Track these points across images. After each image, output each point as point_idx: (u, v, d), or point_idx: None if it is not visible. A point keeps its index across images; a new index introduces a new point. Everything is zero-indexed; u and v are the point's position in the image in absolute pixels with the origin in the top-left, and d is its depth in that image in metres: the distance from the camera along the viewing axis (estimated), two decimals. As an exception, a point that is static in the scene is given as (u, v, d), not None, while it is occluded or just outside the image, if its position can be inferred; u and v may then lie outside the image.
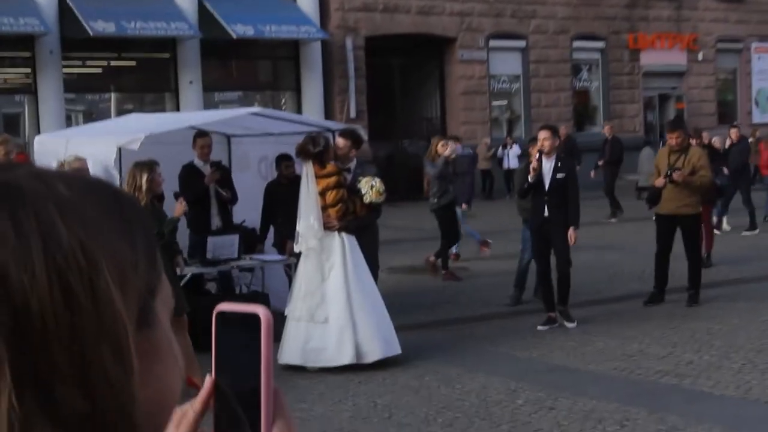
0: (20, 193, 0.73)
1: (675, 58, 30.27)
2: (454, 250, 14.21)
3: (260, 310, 0.86)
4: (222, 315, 0.90)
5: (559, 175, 10.25)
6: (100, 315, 0.73)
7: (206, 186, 10.01)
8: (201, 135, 10.16)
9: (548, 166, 10.30)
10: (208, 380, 0.92)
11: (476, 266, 13.58)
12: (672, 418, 7.15)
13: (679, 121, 13.26)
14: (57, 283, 0.71)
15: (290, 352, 8.39)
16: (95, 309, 0.73)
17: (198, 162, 10.10)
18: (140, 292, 0.78)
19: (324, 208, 8.68)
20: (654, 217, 11.85)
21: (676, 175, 10.90)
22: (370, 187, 8.99)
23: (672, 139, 11.45)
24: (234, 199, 10.49)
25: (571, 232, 10.10)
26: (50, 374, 0.72)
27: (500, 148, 25.20)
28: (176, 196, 8.40)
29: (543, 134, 10.60)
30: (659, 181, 11.16)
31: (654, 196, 11.43)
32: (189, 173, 9.99)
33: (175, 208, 8.25)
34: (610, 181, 19.61)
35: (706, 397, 7.75)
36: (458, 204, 13.95)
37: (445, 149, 13.34)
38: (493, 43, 26.97)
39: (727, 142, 16.65)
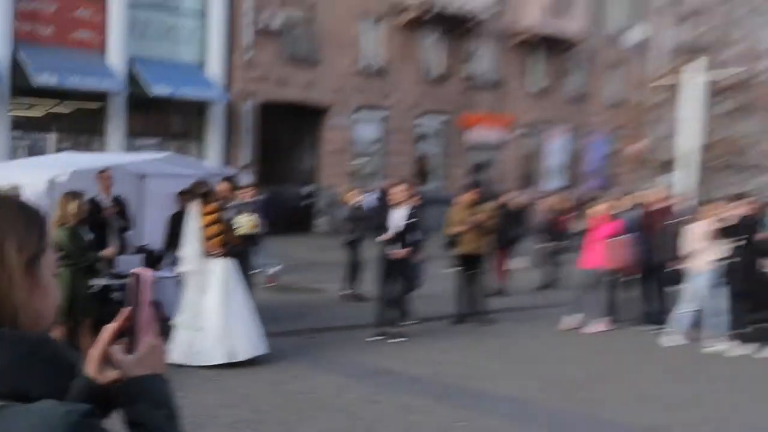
0: None
1: (494, 134, 31.07)
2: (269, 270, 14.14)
3: (142, 272, 1.41)
4: (134, 275, 1.42)
5: (410, 221, 10.44)
6: (2, 260, 1.25)
7: (106, 217, 9.89)
8: (102, 171, 10.05)
9: (402, 213, 10.46)
10: (125, 311, 1.41)
11: (331, 287, 13.63)
12: (465, 411, 7.36)
13: (476, 183, 13.83)
14: None
15: (177, 354, 8.24)
16: (1, 257, 1.24)
17: (100, 196, 9.94)
18: (30, 253, 1.28)
19: (208, 238, 8.65)
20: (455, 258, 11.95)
21: (479, 217, 11.36)
22: (244, 222, 9.08)
23: (472, 195, 11.87)
24: (128, 226, 10.37)
25: (403, 251, 10.27)
26: None
27: (364, 194, 25.37)
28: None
29: (399, 188, 10.74)
30: (462, 228, 11.48)
31: (455, 240, 11.68)
32: (91, 206, 9.84)
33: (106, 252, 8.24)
34: None
35: (492, 396, 7.94)
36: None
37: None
38: (358, 115, 27.27)
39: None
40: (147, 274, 1.46)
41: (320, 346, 9.84)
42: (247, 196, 13.08)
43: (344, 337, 10.37)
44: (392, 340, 10.18)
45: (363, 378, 8.39)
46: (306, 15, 25.67)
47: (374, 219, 10.86)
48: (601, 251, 11.71)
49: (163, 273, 9.80)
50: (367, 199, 13.07)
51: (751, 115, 30.20)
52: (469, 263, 11.73)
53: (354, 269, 13.29)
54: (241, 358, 8.53)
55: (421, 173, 28.45)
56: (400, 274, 10.53)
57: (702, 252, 10.65)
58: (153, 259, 10.29)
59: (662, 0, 36.42)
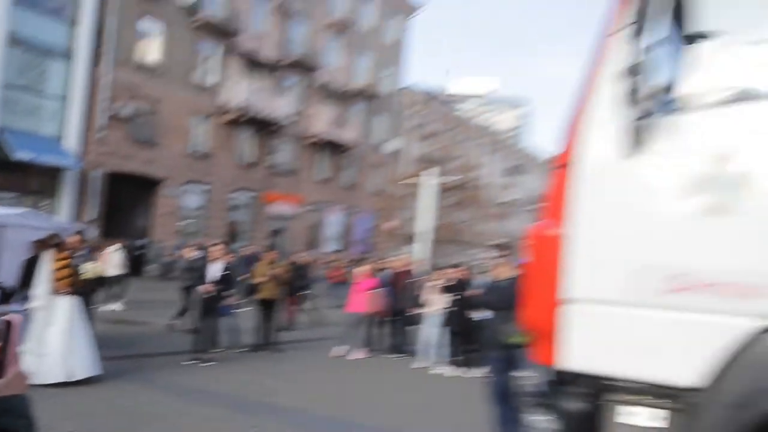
0: None
1: (289, 209, 31.17)
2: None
3: (13, 317, 1.36)
4: (6, 321, 1.34)
5: (223, 273, 10.11)
6: None
7: None
8: None
9: (219, 267, 10.13)
10: None
11: (157, 321, 12.86)
12: (258, 420, 7.10)
13: (274, 245, 13.82)
14: None
15: None
16: None
17: None
18: None
19: (57, 279, 7.94)
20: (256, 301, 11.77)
21: (276, 271, 11.29)
22: (90, 268, 8.43)
23: (271, 255, 11.77)
24: None
25: (211, 287, 9.91)
26: None
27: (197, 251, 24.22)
28: None
29: (218, 248, 10.42)
30: (262, 279, 11.37)
31: (257, 288, 11.52)
32: None
33: None
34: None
35: (279, 408, 7.76)
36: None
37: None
38: (186, 187, 26.38)
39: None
40: (17, 319, 1.43)
41: (146, 368, 9.20)
42: (185, 252, 12.14)
43: (165, 362, 9.77)
44: (204, 364, 9.73)
45: (179, 394, 7.91)
46: (151, 108, 24.73)
47: (199, 270, 10.44)
48: (363, 299, 11.98)
49: (13, 307, 8.84)
50: (197, 254, 12.61)
51: (466, 207, 32.40)
52: (267, 305, 11.57)
53: (185, 308, 12.67)
54: (78, 377, 7.80)
55: (232, 235, 27.83)
56: (213, 313, 10.17)
57: (432, 302, 11.19)
58: (6, 295, 9.24)
59: (410, 123, 38.60)
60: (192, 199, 26.98)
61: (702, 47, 2.88)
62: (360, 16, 35.28)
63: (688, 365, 2.64)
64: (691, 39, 2.88)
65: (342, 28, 33.87)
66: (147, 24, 24.40)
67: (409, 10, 38.89)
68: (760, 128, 2.62)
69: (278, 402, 8.01)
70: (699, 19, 2.86)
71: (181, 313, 12.65)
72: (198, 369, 9.48)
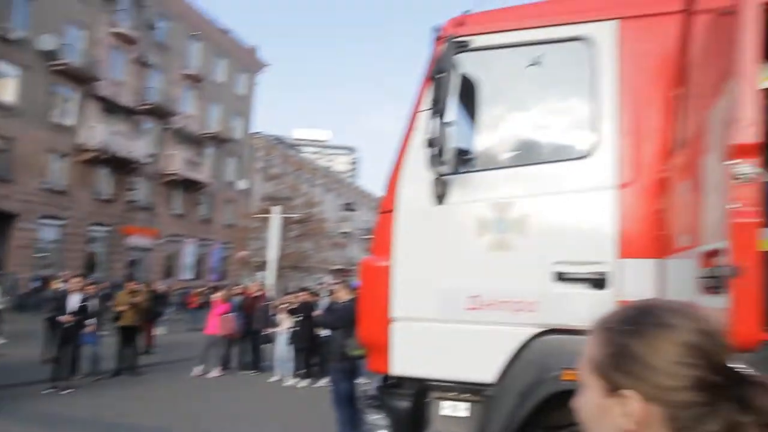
0: None
1: (147, 241, 29.31)
2: None
3: None
4: None
5: (81, 303, 9.31)
6: None
7: None
8: None
9: (77, 298, 9.30)
10: None
11: (13, 352, 11.46)
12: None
13: (132, 275, 12.97)
14: None
15: None
16: None
17: None
18: None
19: None
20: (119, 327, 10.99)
21: (136, 299, 10.66)
22: None
23: (132, 285, 11.14)
24: None
25: (69, 317, 9.06)
26: None
27: (63, 283, 21.84)
28: None
29: (75, 280, 9.61)
30: (123, 307, 10.66)
31: (118, 315, 10.76)
32: None
33: None
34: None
35: (140, 427, 7.21)
36: None
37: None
38: (42, 221, 23.91)
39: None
40: None
41: (2, 399, 8.16)
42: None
43: (23, 392, 8.74)
44: (64, 392, 8.85)
45: (36, 422, 7.09)
46: (5, 145, 22.28)
47: (60, 301, 9.52)
48: (218, 322, 11.61)
49: None
50: (63, 286, 11.47)
51: (310, 238, 32.52)
52: (128, 331, 10.81)
53: (51, 338, 11.36)
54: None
55: (90, 266, 25.60)
56: (72, 341, 9.29)
57: (282, 323, 11.12)
58: None
59: (258, 165, 38.19)
60: (49, 232, 24.48)
61: (486, 121, 3.32)
62: (212, 71, 34.60)
63: (484, 365, 2.98)
64: (477, 115, 3.31)
65: (196, 80, 32.96)
66: (2, 66, 22.06)
67: (257, 68, 38.83)
68: (529, 183, 3.07)
69: (138, 422, 7.50)
70: (481, 100, 3.30)
71: (47, 344, 11.40)
72: (57, 397, 8.61)
